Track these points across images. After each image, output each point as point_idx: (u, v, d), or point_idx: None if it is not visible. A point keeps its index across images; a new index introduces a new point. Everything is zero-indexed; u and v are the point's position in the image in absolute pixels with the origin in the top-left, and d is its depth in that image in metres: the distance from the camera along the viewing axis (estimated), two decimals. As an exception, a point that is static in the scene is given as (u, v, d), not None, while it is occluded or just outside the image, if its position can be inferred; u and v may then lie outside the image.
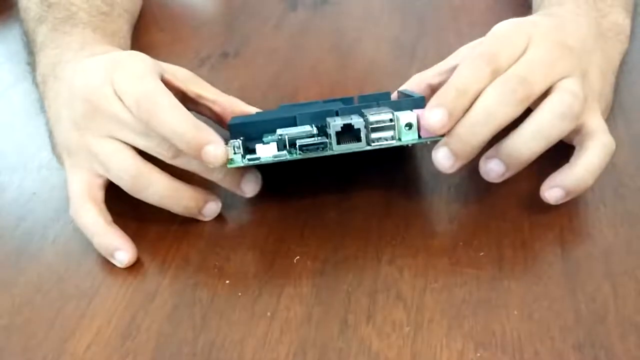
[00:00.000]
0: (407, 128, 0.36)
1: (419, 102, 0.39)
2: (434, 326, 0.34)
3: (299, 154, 0.36)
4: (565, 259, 0.37)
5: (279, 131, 0.37)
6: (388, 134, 0.36)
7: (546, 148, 0.36)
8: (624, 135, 0.45)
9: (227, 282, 0.38)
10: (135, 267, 0.39)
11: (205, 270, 0.39)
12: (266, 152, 0.37)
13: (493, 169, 0.37)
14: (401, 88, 0.44)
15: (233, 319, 0.36)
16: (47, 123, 0.45)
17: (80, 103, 0.40)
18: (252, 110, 0.44)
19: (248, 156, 0.37)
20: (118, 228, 0.40)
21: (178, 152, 0.39)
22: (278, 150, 0.37)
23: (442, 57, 0.44)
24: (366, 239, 0.39)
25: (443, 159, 0.36)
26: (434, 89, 0.43)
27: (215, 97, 0.44)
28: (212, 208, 0.41)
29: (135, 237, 0.40)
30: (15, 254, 0.41)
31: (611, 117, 0.45)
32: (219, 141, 0.37)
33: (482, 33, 0.42)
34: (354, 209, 0.41)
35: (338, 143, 0.36)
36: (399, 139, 0.36)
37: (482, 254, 0.38)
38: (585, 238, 0.38)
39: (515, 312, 0.34)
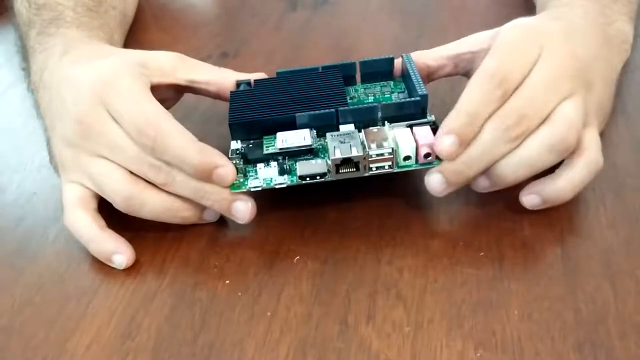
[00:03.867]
0: (405, 160, 0.37)
1: (422, 103, 0.39)
2: (434, 326, 0.34)
3: (299, 181, 0.37)
4: (565, 259, 0.37)
5: (279, 143, 0.38)
6: (386, 163, 0.37)
7: (532, 175, 0.37)
8: (624, 135, 0.45)
9: (227, 282, 0.38)
10: (135, 267, 0.39)
11: (205, 270, 0.39)
12: (267, 174, 0.38)
13: (479, 182, 0.38)
14: (405, 55, 0.44)
15: (233, 319, 0.36)
16: (45, 131, 0.44)
17: (73, 124, 0.39)
18: (247, 76, 0.43)
19: (251, 184, 0.38)
20: (112, 232, 0.40)
21: (169, 179, 0.38)
22: (279, 174, 0.38)
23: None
24: (366, 239, 0.39)
25: (436, 184, 0.37)
26: (430, 71, 0.43)
27: (207, 77, 0.43)
28: (211, 213, 0.41)
29: (135, 237, 0.40)
30: (15, 254, 0.41)
31: (612, 117, 0.45)
32: (226, 162, 0.37)
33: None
34: (354, 209, 0.41)
35: (337, 172, 0.37)
36: (397, 166, 0.37)
37: (482, 254, 0.38)
38: (585, 238, 0.38)
39: (515, 312, 0.34)
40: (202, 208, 0.40)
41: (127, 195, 0.39)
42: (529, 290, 0.35)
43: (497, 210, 0.40)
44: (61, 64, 0.43)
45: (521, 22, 0.40)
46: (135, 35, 0.62)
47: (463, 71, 0.43)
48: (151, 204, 0.39)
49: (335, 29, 0.62)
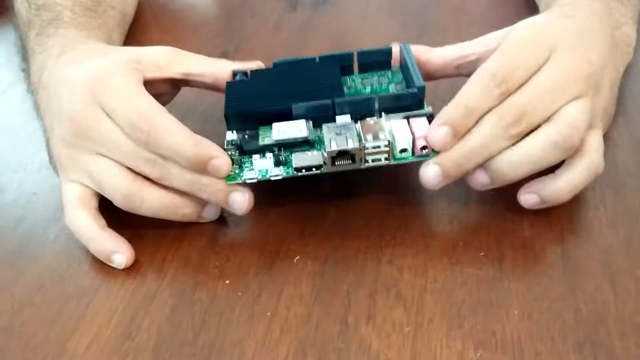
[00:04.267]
0: (402, 152, 0.37)
1: (419, 94, 0.39)
2: (434, 326, 0.34)
3: (294, 173, 0.37)
4: (565, 259, 0.37)
5: (275, 135, 0.38)
6: (383, 155, 0.37)
7: (534, 172, 0.37)
8: (624, 135, 0.45)
9: (227, 282, 0.38)
10: (135, 267, 0.39)
11: (205, 270, 0.39)
12: (262, 165, 0.38)
13: (477, 179, 0.38)
14: (403, 45, 0.43)
15: (233, 319, 0.36)
16: (45, 132, 0.44)
17: (69, 123, 0.39)
18: (244, 66, 0.43)
19: (246, 175, 0.38)
20: (112, 231, 0.40)
21: (165, 173, 0.38)
22: (274, 165, 0.38)
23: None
24: (366, 239, 0.39)
25: (432, 176, 0.37)
26: (431, 70, 0.43)
27: (202, 69, 0.43)
28: (211, 211, 0.41)
29: (135, 237, 0.40)
30: (15, 254, 0.41)
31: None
32: (221, 153, 0.37)
33: (482, 33, 0.42)
34: (354, 209, 0.41)
35: (333, 164, 0.37)
36: (394, 159, 0.37)
37: (482, 254, 0.38)
38: (585, 238, 0.38)
39: (515, 312, 0.34)
40: (201, 205, 0.40)
41: (127, 192, 0.39)
42: (529, 290, 0.35)
43: (497, 210, 0.40)
44: (59, 65, 0.43)
45: (532, 23, 0.39)
46: (135, 35, 0.62)
47: (466, 72, 0.42)
48: (150, 201, 0.39)
49: (335, 29, 0.62)
